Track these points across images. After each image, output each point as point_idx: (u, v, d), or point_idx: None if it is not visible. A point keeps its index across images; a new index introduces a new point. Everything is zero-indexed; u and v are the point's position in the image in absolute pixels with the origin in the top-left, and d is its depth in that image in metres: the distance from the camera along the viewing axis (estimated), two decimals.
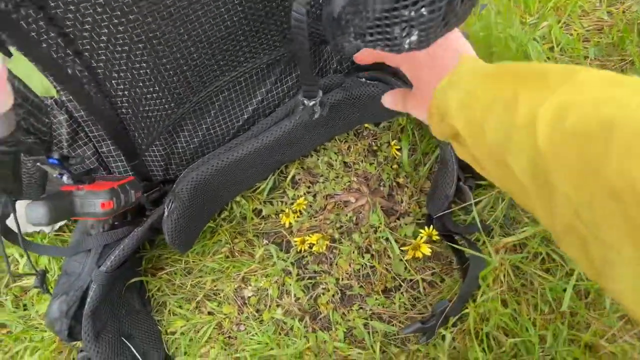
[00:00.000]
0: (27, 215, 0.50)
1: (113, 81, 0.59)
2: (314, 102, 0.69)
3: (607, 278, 0.31)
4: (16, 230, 0.54)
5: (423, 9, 0.37)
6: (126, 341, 0.84)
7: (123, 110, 0.63)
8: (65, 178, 0.57)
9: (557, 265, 0.78)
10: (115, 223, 0.79)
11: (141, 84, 0.61)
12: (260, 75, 0.77)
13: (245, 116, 0.82)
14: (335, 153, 0.97)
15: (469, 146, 0.46)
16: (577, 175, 0.31)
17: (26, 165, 0.56)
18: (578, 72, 0.36)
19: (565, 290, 0.74)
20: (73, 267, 0.82)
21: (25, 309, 0.98)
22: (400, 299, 0.84)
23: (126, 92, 0.61)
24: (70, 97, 0.61)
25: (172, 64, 0.63)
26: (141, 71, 0.59)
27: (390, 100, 0.60)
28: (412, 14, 0.37)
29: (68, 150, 0.66)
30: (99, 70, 0.58)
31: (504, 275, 0.78)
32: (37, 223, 0.50)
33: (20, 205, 0.53)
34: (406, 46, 0.41)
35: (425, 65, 0.51)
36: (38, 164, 0.54)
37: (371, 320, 0.83)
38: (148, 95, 0.63)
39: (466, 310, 0.76)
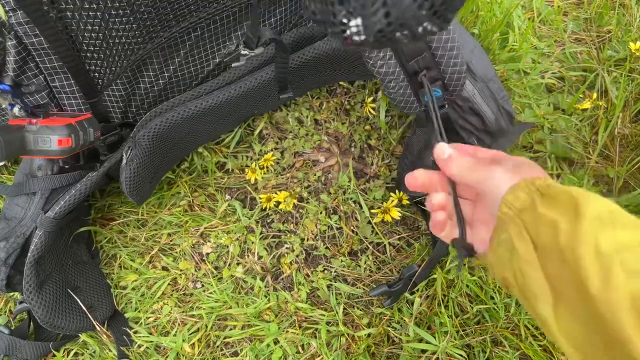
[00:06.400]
0: None
1: (78, 2, 0.51)
2: None
3: None
4: None
5: None
6: (72, 293, 0.77)
7: (86, 37, 0.55)
8: (16, 109, 0.49)
9: None
10: (66, 166, 0.72)
11: (109, 6, 0.53)
12: (237, 16, 0.70)
13: (217, 60, 0.75)
14: (306, 109, 0.93)
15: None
16: None
17: None
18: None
19: None
20: (14, 212, 0.75)
21: None
22: (366, 261, 0.83)
23: (91, 15, 0.53)
24: (22, 20, 0.53)
25: None
26: None
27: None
28: None
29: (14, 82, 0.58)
30: None
31: None
32: None
33: None
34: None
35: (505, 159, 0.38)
36: None
37: (335, 282, 0.81)
38: (117, 21, 0.56)
39: (433, 276, 0.76)
